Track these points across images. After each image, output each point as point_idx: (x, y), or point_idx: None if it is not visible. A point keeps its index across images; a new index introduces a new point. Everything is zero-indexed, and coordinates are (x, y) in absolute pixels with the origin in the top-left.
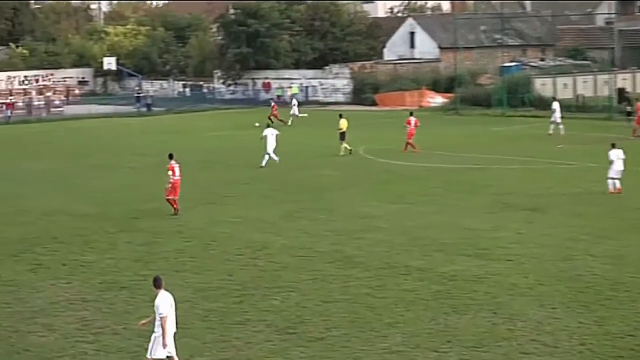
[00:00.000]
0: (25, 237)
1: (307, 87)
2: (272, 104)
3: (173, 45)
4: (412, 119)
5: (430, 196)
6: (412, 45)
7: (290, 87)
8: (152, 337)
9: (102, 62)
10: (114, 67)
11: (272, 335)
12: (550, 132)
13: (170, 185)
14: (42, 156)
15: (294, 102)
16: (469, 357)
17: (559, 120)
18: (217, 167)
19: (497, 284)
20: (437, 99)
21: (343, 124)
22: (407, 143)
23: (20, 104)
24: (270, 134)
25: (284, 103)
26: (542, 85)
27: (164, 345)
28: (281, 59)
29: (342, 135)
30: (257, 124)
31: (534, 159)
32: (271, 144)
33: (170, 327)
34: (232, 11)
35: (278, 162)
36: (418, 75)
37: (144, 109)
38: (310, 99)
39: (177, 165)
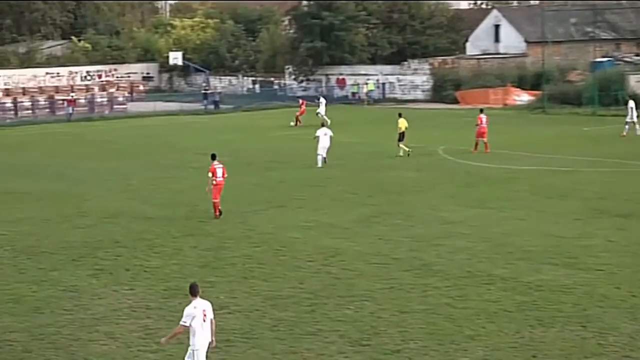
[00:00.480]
0: (87, 240)
1: (383, 83)
2: (301, 101)
3: (243, 39)
4: (483, 117)
5: (515, 200)
6: (497, 39)
7: (366, 84)
8: (189, 350)
9: (167, 57)
10: (180, 62)
11: (345, 347)
12: (624, 133)
13: (212, 187)
14: (104, 155)
15: (322, 100)
16: None
17: (635, 120)
18: (287, 168)
19: (586, 295)
20: (523, 97)
21: (402, 123)
22: (477, 142)
23: (82, 100)
24: (323, 134)
25: (359, 101)
26: (637, 82)
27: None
28: (357, 53)
29: (401, 136)
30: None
31: (628, 162)
32: (323, 145)
33: (199, 340)
34: (305, 3)
35: (319, 166)
36: (503, 71)
37: (211, 107)
38: (388, 96)
39: (221, 166)
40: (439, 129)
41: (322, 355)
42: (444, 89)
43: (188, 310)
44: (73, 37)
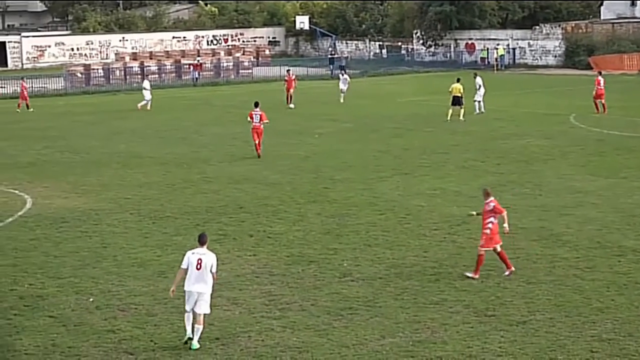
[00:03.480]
0: (211, 205)
1: (514, 48)
2: (288, 76)
3: (370, 3)
4: (601, 79)
5: None
6: (633, 3)
7: (496, 49)
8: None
9: (294, 21)
10: (306, 26)
11: (469, 317)
12: None
13: (251, 130)
14: (229, 121)
15: (343, 75)
16: None
17: None
18: (413, 134)
19: None
20: None
21: (456, 88)
22: (597, 104)
23: (208, 65)
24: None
25: (488, 66)
26: None
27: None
28: (487, 18)
29: (455, 100)
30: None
31: None
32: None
33: (189, 284)
34: None
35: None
36: (639, 37)
37: (337, 72)
38: (518, 61)
39: (259, 113)
40: (571, 95)
41: (445, 325)
42: (576, 55)
43: (186, 255)
44: (200, 1)
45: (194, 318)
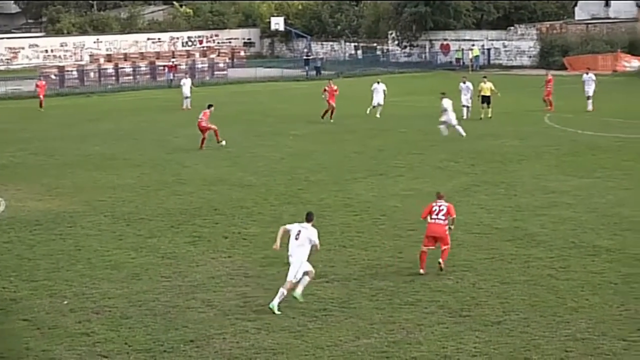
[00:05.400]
0: (185, 207)
1: (489, 49)
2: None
3: (345, 4)
4: (552, 77)
5: (623, 170)
6: (607, 4)
7: (471, 50)
8: None
9: (269, 22)
10: (282, 27)
11: (444, 318)
12: None
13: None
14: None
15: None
16: None
17: None
18: (388, 135)
19: None
20: (633, 63)
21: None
22: (549, 101)
23: (183, 66)
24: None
25: (463, 67)
26: None
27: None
28: (461, 18)
29: (484, 99)
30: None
31: None
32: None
33: (291, 250)
34: None
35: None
36: (612, 37)
37: (312, 73)
38: (493, 62)
39: (208, 111)
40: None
41: (420, 326)
42: (551, 55)
43: (294, 224)
44: (175, 2)
45: (305, 273)
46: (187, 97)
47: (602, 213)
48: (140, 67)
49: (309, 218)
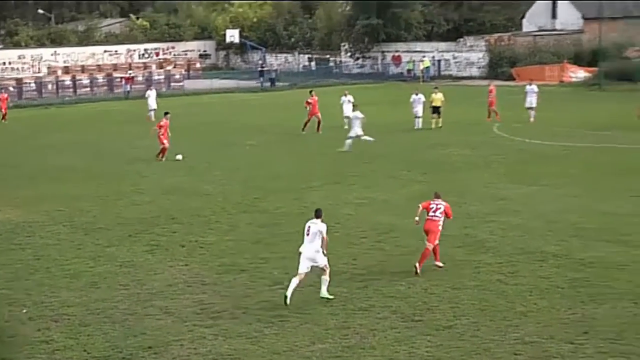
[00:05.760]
0: (143, 217)
1: (439, 60)
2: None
3: (299, 17)
4: (494, 87)
5: (569, 178)
6: (554, 16)
7: (422, 61)
8: None
9: (224, 35)
10: (237, 39)
11: (397, 323)
12: None
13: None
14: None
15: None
16: (607, 350)
17: None
18: (342, 145)
19: (639, 272)
20: (579, 74)
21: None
22: (490, 111)
23: (140, 78)
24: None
25: (414, 78)
26: None
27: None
28: (413, 30)
29: (434, 109)
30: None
31: None
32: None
33: (303, 247)
34: None
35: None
36: (559, 48)
37: (267, 84)
38: (443, 73)
39: (167, 121)
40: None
41: (374, 330)
42: (499, 66)
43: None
44: (131, 15)
45: (321, 270)
46: (152, 109)
47: (549, 219)
48: (97, 78)
49: (317, 214)
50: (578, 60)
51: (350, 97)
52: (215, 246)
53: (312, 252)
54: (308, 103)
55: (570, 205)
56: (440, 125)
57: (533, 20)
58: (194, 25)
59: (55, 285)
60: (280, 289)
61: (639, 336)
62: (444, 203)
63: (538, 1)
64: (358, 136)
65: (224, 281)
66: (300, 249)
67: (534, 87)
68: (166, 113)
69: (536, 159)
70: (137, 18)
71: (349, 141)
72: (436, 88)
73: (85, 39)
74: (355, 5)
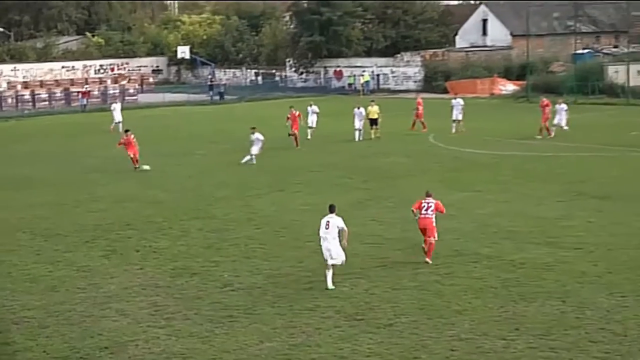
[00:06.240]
0: (99, 223)
1: (378, 75)
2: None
3: (246, 34)
4: (421, 100)
5: (500, 184)
6: (485, 33)
7: (362, 75)
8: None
9: (176, 51)
10: (187, 55)
11: (341, 322)
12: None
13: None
14: (115, 144)
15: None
16: (536, 345)
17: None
18: (288, 154)
19: (566, 272)
20: (508, 87)
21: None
22: (415, 122)
23: (96, 92)
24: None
25: (354, 91)
26: (615, 73)
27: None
28: (353, 47)
29: (372, 122)
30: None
31: (607, 147)
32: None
33: (323, 236)
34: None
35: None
36: (490, 63)
37: (216, 98)
38: (382, 86)
39: (132, 136)
40: (429, 117)
41: (319, 329)
42: (434, 80)
43: (322, 220)
44: (87, 33)
45: (332, 265)
46: (118, 122)
47: (483, 223)
48: (55, 93)
49: (331, 209)
50: (507, 74)
51: (315, 108)
52: (168, 251)
53: (332, 244)
54: (288, 118)
55: (501, 209)
56: (378, 135)
57: (465, 37)
58: (147, 42)
59: (15, 289)
60: (231, 291)
61: (566, 332)
62: (434, 201)
63: (470, 19)
64: (252, 156)
65: (176, 284)
66: (321, 242)
67: (460, 101)
68: (127, 131)
69: (470, 167)
70: (93, 36)
71: (248, 157)
72: (372, 101)
73: (43, 56)
74: (299, 23)
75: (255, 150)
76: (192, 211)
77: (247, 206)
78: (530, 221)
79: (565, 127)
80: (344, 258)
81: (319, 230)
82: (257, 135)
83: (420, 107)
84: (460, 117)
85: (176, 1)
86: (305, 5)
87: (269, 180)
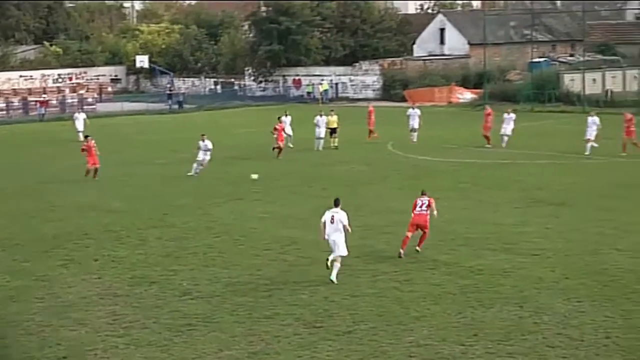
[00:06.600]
0: (58, 233)
1: (337, 83)
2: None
3: (205, 43)
4: (372, 109)
5: (458, 191)
6: (442, 42)
7: (321, 84)
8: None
9: (134, 60)
10: (146, 65)
11: (300, 329)
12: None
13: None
14: (75, 153)
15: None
16: (495, 351)
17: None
18: (246, 163)
19: (523, 278)
20: (466, 95)
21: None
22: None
23: (54, 101)
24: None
25: (313, 100)
26: (571, 81)
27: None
28: (312, 55)
29: (332, 131)
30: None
31: (562, 154)
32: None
33: (329, 231)
34: (263, 9)
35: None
36: (447, 72)
37: (175, 107)
38: (340, 95)
39: (93, 143)
40: (388, 125)
41: (278, 337)
42: (392, 88)
43: (326, 213)
44: (45, 42)
45: (335, 260)
46: (80, 131)
47: (440, 230)
48: (13, 102)
49: (336, 203)
50: (465, 82)
51: (289, 118)
52: (126, 260)
53: (337, 236)
54: (276, 129)
55: (458, 216)
56: (336, 144)
57: (423, 45)
58: (105, 52)
59: None
60: (190, 299)
61: (524, 337)
62: (428, 198)
63: (427, 28)
64: (199, 162)
65: (135, 293)
66: (326, 235)
67: (417, 110)
68: (87, 136)
69: (428, 174)
70: (51, 45)
71: (195, 165)
72: (332, 111)
73: (1, 65)
74: (258, 32)
75: (201, 156)
76: (151, 220)
77: (206, 215)
78: (488, 228)
79: (506, 137)
80: (346, 252)
81: (322, 223)
82: (207, 143)
83: (372, 116)
84: (417, 126)
85: (136, 1)
86: (264, 14)
87: (228, 189)
